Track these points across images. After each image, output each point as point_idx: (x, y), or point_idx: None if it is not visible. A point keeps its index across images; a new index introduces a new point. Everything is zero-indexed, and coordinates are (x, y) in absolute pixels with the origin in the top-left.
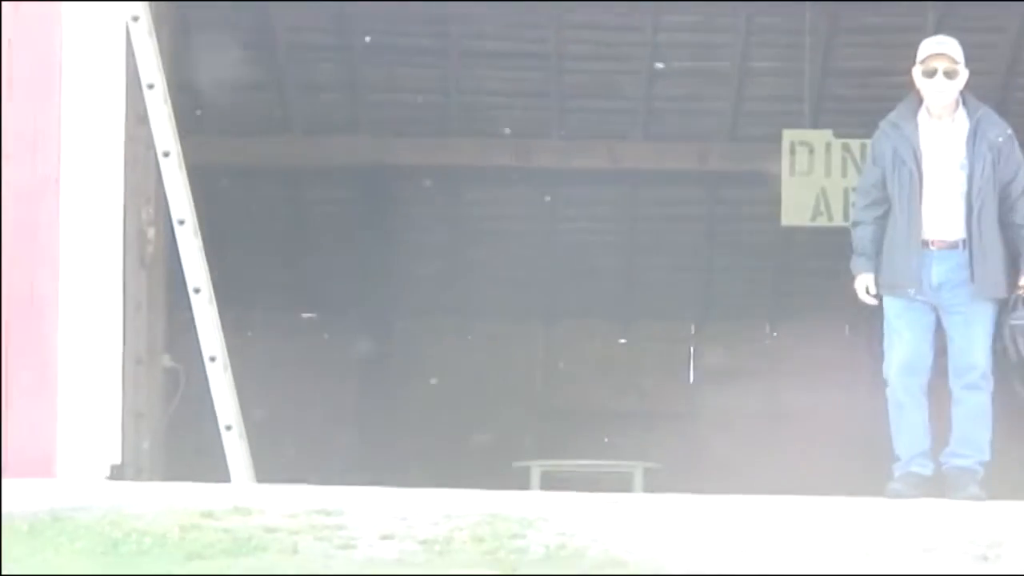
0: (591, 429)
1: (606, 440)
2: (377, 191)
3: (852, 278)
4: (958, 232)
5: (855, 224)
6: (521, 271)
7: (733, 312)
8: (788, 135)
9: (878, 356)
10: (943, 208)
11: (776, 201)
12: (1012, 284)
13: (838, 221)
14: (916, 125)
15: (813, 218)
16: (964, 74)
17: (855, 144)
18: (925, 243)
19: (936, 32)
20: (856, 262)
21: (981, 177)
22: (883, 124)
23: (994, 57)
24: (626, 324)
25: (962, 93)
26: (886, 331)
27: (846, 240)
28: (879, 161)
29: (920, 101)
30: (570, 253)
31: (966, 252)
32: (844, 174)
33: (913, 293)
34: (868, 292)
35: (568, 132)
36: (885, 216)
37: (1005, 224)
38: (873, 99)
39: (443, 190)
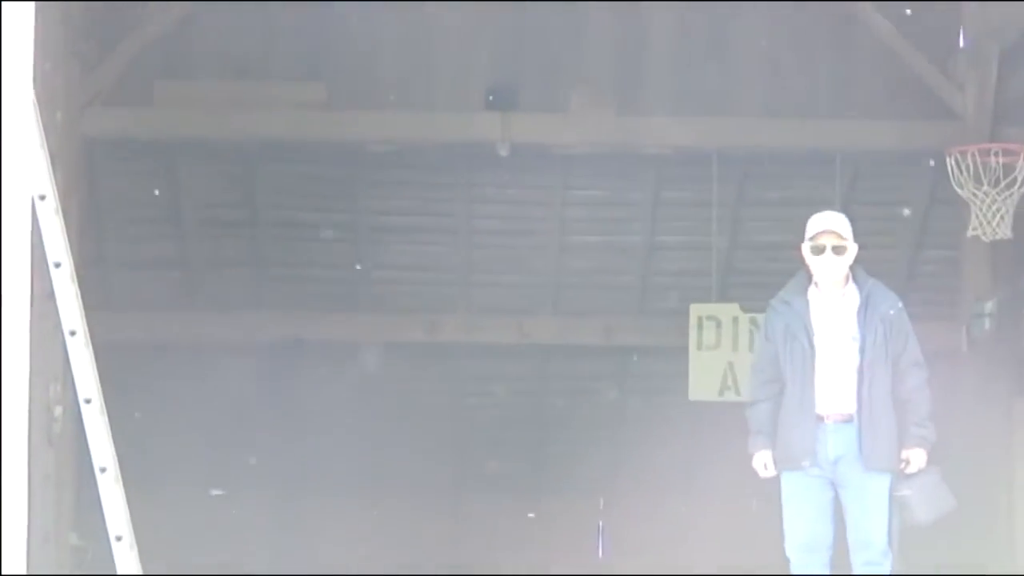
0: None
1: None
2: (285, 367)
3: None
4: (851, 405)
5: (752, 403)
6: (431, 445)
7: (643, 486)
8: (695, 309)
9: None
10: (836, 382)
11: (684, 375)
12: (899, 457)
13: (746, 396)
14: (807, 301)
15: (720, 393)
16: (853, 249)
17: (762, 318)
18: (820, 417)
19: (843, 205)
20: (754, 440)
21: (872, 349)
22: (774, 302)
23: (901, 230)
24: (535, 499)
25: (851, 267)
26: (785, 509)
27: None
28: (772, 338)
29: (810, 277)
30: (479, 427)
31: (858, 425)
32: (751, 348)
33: (808, 466)
34: (766, 469)
35: (477, 307)
36: (781, 393)
37: (894, 397)
38: (780, 273)
39: (351, 366)
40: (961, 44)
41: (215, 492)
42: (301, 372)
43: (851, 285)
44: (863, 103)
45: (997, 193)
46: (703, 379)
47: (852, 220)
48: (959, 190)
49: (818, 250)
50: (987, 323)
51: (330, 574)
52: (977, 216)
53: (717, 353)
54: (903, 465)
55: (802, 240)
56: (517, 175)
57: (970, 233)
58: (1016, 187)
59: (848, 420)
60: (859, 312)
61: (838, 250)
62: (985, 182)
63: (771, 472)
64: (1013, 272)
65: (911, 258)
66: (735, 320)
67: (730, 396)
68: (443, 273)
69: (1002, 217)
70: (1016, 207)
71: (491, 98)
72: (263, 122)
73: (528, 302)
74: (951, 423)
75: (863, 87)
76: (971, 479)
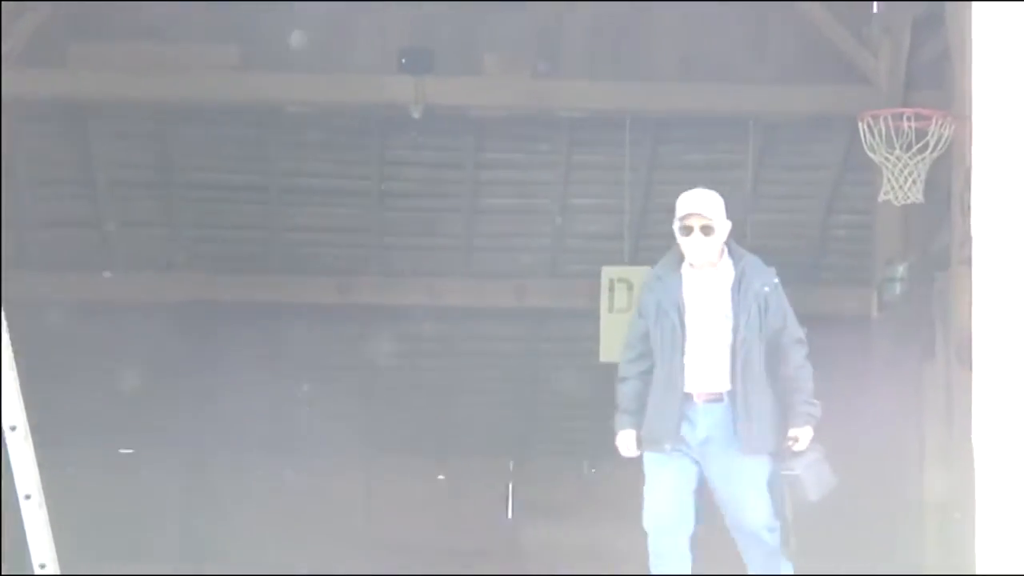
0: (411, 566)
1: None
2: (196, 328)
3: None
4: (723, 384)
5: (621, 379)
6: (341, 407)
7: (553, 448)
8: (607, 272)
9: None
10: (707, 360)
11: (596, 338)
12: (781, 436)
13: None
14: (680, 276)
15: None
16: (724, 227)
17: None
18: (689, 396)
19: (756, 169)
20: (619, 419)
21: (746, 327)
22: (647, 277)
23: (815, 194)
24: (445, 461)
25: (727, 243)
26: (646, 487)
27: None
28: (644, 314)
29: (683, 253)
30: (390, 389)
31: (730, 405)
32: None
33: (669, 449)
34: (629, 448)
35: (389, 269)
36: (651, 370)
37: (775, 376)
38: None
39: (263, 327)
40: (875, 10)
41: (124, 451)
42: (213, 332)
43: (726, 261)
44: (777, 68)
45: (909, 158)
46: (614, 342)
47: (765, 184)
48: (871, 155)
49: (686, 231)
50: (898, 287)
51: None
52: (889, 180)
53: (629, 316)
54: (791, 443)
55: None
56: (430, 138)
57: (882, 197)
58: (928, 152)
59: (718, 399)
60: (733, 289)
61: (706, 230)
62: (897, 147)
63: (632, 452)
64: (924, 236)
65: (823, 222)
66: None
67: None
68: (356, 235)
69: (914, 181)
70: (928, 171)
71: (404, 61)
72: (176, 84)
73: (440, 264)
74: (862, 387)
75: (777, 52)
76: (882, 442)
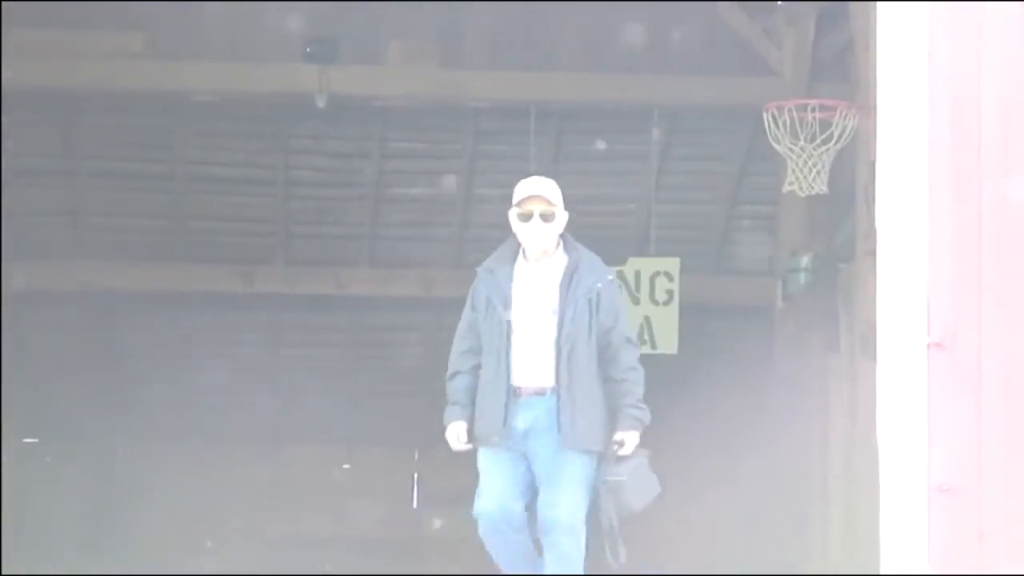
0: (315, 555)
1: (327, 564)
2: (102, 317)
3: None
4: (547, 379)
5: (451, 374)
6: (246, 396)
7: None
8: None
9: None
10: (533, 355)
11: None
12: (607, 438)
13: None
14: (511, 270)
15: None
16: (563, 216)
17: None
18: (515, 390)
19: (661, 160)
20: (448, 411)
21: (572, 323)
22: (480, 269)
23: (720, 184)
24: (350, 449)
25: (563, 236)
26: (479, 480)
27: None
28: (475, 307)
29: (519, 244)
30: (295, 378)
31: (554, 399)
32: None
33: (497, 442)
34: (459, 440)
35: (294, 258)
36: (481, 365)
37: (604, 376)
38: (597, 227)
39: (168, 316)
40: (780, 1)
41: (29, 440)
42: (118, 322)
43: (560, 254)
44: (682, 58)
45: (813, 148)
46: None
47: (670, 174)
48: (776, 145)
49: (525, 216)
50: (802, 278)
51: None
52: (793, 171)
53: None
54: (616, 447)
55: (621, 194)
56: (336, 127)
57: (786, 188)
58: (832, 143)
59: (542, 393)
60: (562, 283)
61: (546, 217)
62: (802, 137)
63: (464, 445)
64: (829, 227)
65: (728, 213)
66: None
67: None
68: (261, 224)
69: (818, 172)
70: (832, 163)
71: (309, 50)
72: (81, 71)
73: (345, 254)
74: (766, 378)
75: (682, 42)
76: (787, 433)
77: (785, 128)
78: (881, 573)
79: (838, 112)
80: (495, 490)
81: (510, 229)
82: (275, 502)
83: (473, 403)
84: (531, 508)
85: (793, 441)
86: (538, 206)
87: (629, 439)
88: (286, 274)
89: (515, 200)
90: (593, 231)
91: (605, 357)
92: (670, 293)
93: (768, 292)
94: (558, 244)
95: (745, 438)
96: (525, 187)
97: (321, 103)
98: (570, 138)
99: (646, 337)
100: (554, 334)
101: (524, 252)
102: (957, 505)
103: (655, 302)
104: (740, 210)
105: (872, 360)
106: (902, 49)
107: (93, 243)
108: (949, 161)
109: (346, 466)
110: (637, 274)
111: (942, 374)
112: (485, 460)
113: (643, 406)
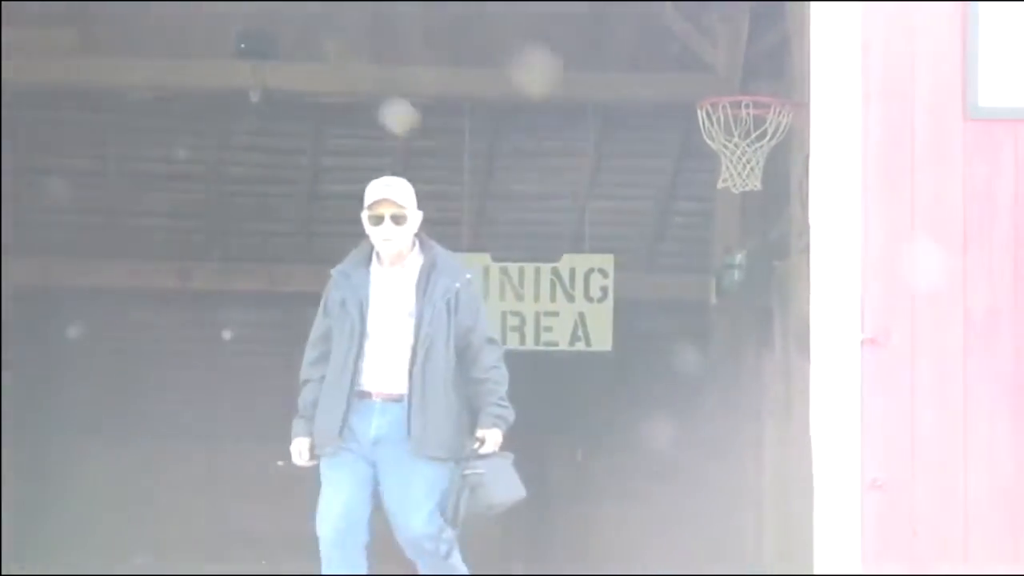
0: (250, 552)
1: (263, 562)
2: (34, 313)
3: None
4: (401, 385)
5: (302, 383)
6: (182, 393)
7: None
8: None
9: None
10: (389, 359)
11: None
12: (461, 444)
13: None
14: (367, 273)
15: None
16: (416, 217)
17: (513, 268)
18: (367, 394)
19: (596, 157)
20: (295, 425)
21: (429, 326)
22: (335, 273)
23: (655, 181)
24: (287, 446)
25: (418, 236)
26: (321, 489)
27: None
28: (328, 313)
29: (372, 246)
30: (231, 375)
31: (406, 406)
32: (502, 298)
33: (332, 452)
34: (302, 457)
35: (229, 254)
36: None
37: (464, 378)
38: (532, 223)
39: (103, 312)
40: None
41: None
42: (51, 318)
43: (415, 256)
44: (617, 55)
45: (747, 145)
46: None
47: (605, 171)
48: (710, 142)
49: (376, 220)
50: (736, 274)
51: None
52: (727, 168)
53: None
54: (477, 445)
55: (557, 191)
56: (271, 123)
57: (720, 185)
58: (766, 139)
59: (397, 400)
60: (418, 285)
61: (397, 219)
62: (736, 134)
63: (304, 462)
64: (763, 224)
65: (663, 209)
66: (486, 270)
67: None
68: (195, 221)
69: (752, 169)
70: (767, 160)
71: (243, 46)
72: (13, 67)
73: (281, 250)
74: (701, 375)
75: (617, 39)
76: (721, 429)
77: (719, 125)
78: (815, 569)
79: (772, 109)
80: (339, 505)
81: (448, 224)
82: (213, 499)
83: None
84: (372, 521)
85: (727, 439)
86: (389, 209)
87: (491, 436)
88: (221, 270)
89: (366, 203)
90: (528, 227)
91: (466, 358)
92: (604, 290)
93: (702, 289)
94: (413, 245)
95: (679, 435)
96: (375, 190)
97: (255, 98)
98: (505, 134)
99: (580, 334)
100: (410, 339)
101: (378, 255)
102: (890, 501)
103: (589, 299)
104: (675, 207)
105: (806, 357)
106: (836, 46)
107: (27, 239)
108: (883, 158)
109: (280, 463)
110: (571, 271)
111: (875, 371)
112: (328, 471)
113: (506, 404)
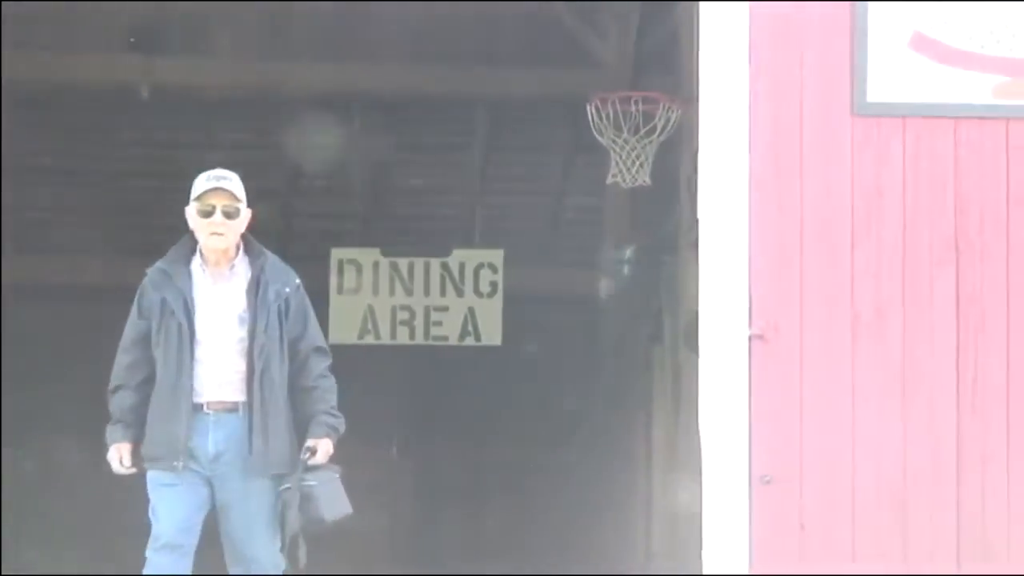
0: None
1: None
2: None
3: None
4: (238, 395)
5: (115, 388)
6: (74, 389)
7: None
8: (336, 253)
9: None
10: (222, 367)
11: (324, 318)
12: (296, 457)
13: (385, 339)
14: (189, 273)
15: (361, 336)
16: (246, 214)
17: (403, 263)
18: (200, 407)
19: (487, 152)
20: (111, 431)
21: (265, 333)
22: (151, 272)
23: (543, 177)
24: None
25: (244, 237)
26: (152, 507)
27: (394, 359)
28: (146, 314)
29: (195, 245)
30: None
31: (246, 418)
32: (392, 293)
33: (180, 467)
34: (123, 464)
35: (120, 248)
36: (152, 378)
37: (294, 386)
38: (422, 218)
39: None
40: None
41: None
42: None
43: (242, 257)
44: (507, 50)
45: (637, 141)
46: (344, 322)
47: (496, 166)
48: (599, 138)
49: (206, 212)
50: (626, 269)
51: None
52: (617, 163)
53: (357, 297)
54: (307, 455)
55: (448, 185)
56: (160, 118)
57: (610, 180)
58: (655, 135)
59: (232, 410)
60: (250, 289)
61: (230, 213)
62: (625, 130)
63: (128, 469)
64: (652, 219)
65: (554, 205)
66: (376, 265)
67: (369, 339)
68: (86, 216)
69: (641, 164)
70: (657, 155)
71: (133, 40)
72: None
73: (171, 245)
74: (591, 370)
75: (507, 34)
76: (610, 425)
77: (609, 121)
78: (703, 564)
79: (661, 105)
80: (175, 525)
81: (338, 219)
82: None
83: (141, 422)
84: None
85: (617, 433)
86: (220, 201)
87: (322, 447)
88: (112, 264)
89: (194, 194)
90: (418, 223)
91: (294, 366)
92: (494, 285)
93: (592, 284)
94: (240, 246)
95: (569, 430)
96: (204, 182)
97: (145, 93)
98: (396, 130)
99: (470, 329)
100: (243, 344)
101: (201, 253)
102: (778, 496)
103: (479, 294)
104: (565, 202)
105: (695, 352)
106: (724, 43)
107: None
108: (771, 154)
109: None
110: (461, 265)
111: (763, 366)
112: (160, 488)
113: (338, 414)
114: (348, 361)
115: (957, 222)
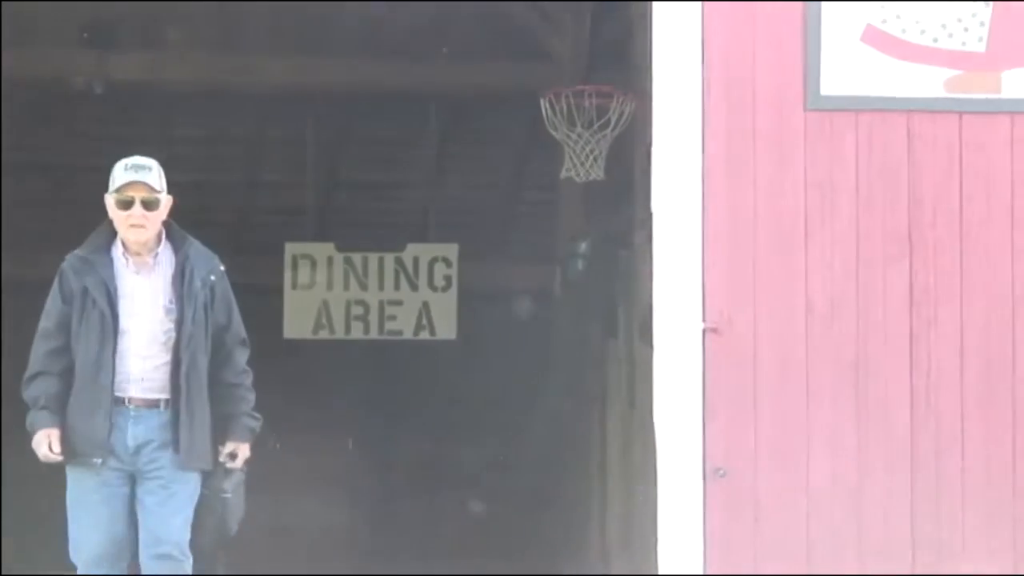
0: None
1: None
2: None
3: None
4: (162, 389)
5: (35, 375)
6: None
7: None
8: (291, 248)
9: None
10: (145, 360)
11: (279, 313)
12: (215, 452)
13: (340, 334)
14: (111, 260)
15: (315, 331)
16: (166, 202)
17: (357, 257)
18: (121, 400)
19: (442, 148)
20: (36, 417)
21: (193, 323)
22: (71, 258)
23: (497, 171)
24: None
25: (166, 224)
26: (71, 510)
27: (349, 352)
28: (68, 300)
29: (114, 233)
30: None
31: (168, 412)
32: (346, 287)
33: (100, 463)
34: (52, 450)
35: (74, 244)
36: (72, 368)
37: (215, 380)
38: (376, 212)
39: None
40: None
41: None
42: None
43: (165, 245)
44: (459, 44)
45: (591, 135)
46: (298, 318)
47: (449, 159)
48: (553, 132)
49: (124, 204)
50: (580, 263)
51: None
52: (571, 158)
53: (312, 292)
54: (226, 459)
55: (404, 179)
56: (117, 113)
57: (564, 174)
58: (609, 129)
59: (154, 406)
60: (175, 277)
61: (149, 204)
62: (579, 124)
63: (56, 456)
64: (607, 213)
65: (508, 199)
66: (330, 259)
67: (324, 334)
68: (41, 210)
69: (595, 159)
70: (610, 149)
71: (86, 35)
72: None
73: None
74: (545, 364)
75: (459, 28)
76: (565, 419)
77: (562, 115)
78: (658, 557)
79: (615, 99)
80: (103, 524)
81: (292, 214)
82: None
83: (63, 410)
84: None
85: (571, 428)
86: (139, 192)
87: (242, 452)
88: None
89: (113, 186)
90: (372, 217)
91: (217, 359)
92: (448, 279)
93: (547, 278)
94: (162, 234)
95: (523, 425)
96: (123, 172)
97: (99, 89)
98: (350, 124)
99: (424, 323)
100: (169, 336)
101: (123, 243)
102: (732, 489)
103: (433, 288)
104: (519, 196)
105: (650, 346)
106: (677, 36)
107: None
108: (724, 148)
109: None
110: (415, 260)
111: (718, 359)
112: (80, 484)
113: (257, 416)
114: (304, 356)
115: (911, 215)
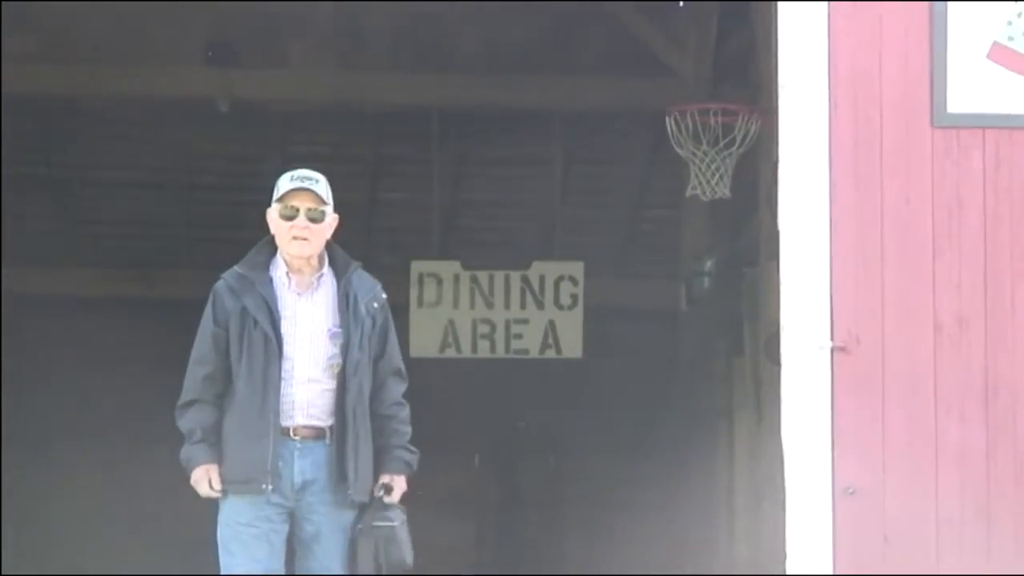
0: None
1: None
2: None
3: (483, 411)
4: (326, 418)
5: (190, 402)
6: (149, 399)
7: None
8: (416, 266)
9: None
10: (310, 387)
11: (405, 332)
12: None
13: (466, 353)
14: (271, 279)
15: (442, 350)
16: (333, 219)
17: (483, 276)
18: (287, 431)
19: (564, 164)
20: (193, 451)
21: (359, 350)
22: (227, 276)
23: (621, 189)
24: None
25: (329, 245)
26: (223, 540)
27: (475, 372)
28: (222, 322)
29: (273, 251)
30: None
31: (334, 445)
32: (472, 306)
33: (269, 490)
34: (212, 487)
35: (196, 262)
36: (229, 394)
37: (372, 411)
38: (500, 231)
39: (67, 320)
40: (681, 3)
41: None
42: (17, 326)
43: (328, 267)
44: (583, 61)
45: (716, 153)
46: (424, 336)
47: (573, 178)
48: (679, 150)
49: (288, 215)
50: (706, 282)
51: None
52: (696, 176)
53: (438, 310)
54: (382, 493)
55: (524, 199)
56: (237, 131)
57: (689, 192)
58: (735, 147)
59: (320, 437)
60: (340, 299)
61: (315, 217)
62: (704, 142)
63: (218, 492)
64: (732, 231)
65: (632, 217)
66: (456, 277)
67: (451, 353)
68: (162, 228)
69: (721, 177)
70: (735, 166)
71: (210, 54)
72: None
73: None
74: (671, 382)
75: (583, 45)
76: (693, 436)
77: (687, 132)
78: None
79: (740, 116)
80: (260, 562)
81: (418, 233)
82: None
83: (219, 442)
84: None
85: (698, 445)
86: (304, 203)
87: (398, 485)
88: (187, 278)
89: (277, 195)
90: (497, 235)
91: (372, 388)
92: (574, 297)
93: (672, 296)
94: (324, 255)
95: (650, 442)
96: (289, 182)
97: (224, 108)
98: (472, 141)
99: (551, 342)
100: (335, 363)
101: (284, 260)
102: (861, 508)
103: (559, 306)
104: (644, 214)
105: (777, 364)
106: (803, 50)
107: None
108: (851, 163)
109: None
110: (541, 278)
111: (846, 377)
112: (241, 515)
113: (414, 450)
114: (429, 375)
115: None
